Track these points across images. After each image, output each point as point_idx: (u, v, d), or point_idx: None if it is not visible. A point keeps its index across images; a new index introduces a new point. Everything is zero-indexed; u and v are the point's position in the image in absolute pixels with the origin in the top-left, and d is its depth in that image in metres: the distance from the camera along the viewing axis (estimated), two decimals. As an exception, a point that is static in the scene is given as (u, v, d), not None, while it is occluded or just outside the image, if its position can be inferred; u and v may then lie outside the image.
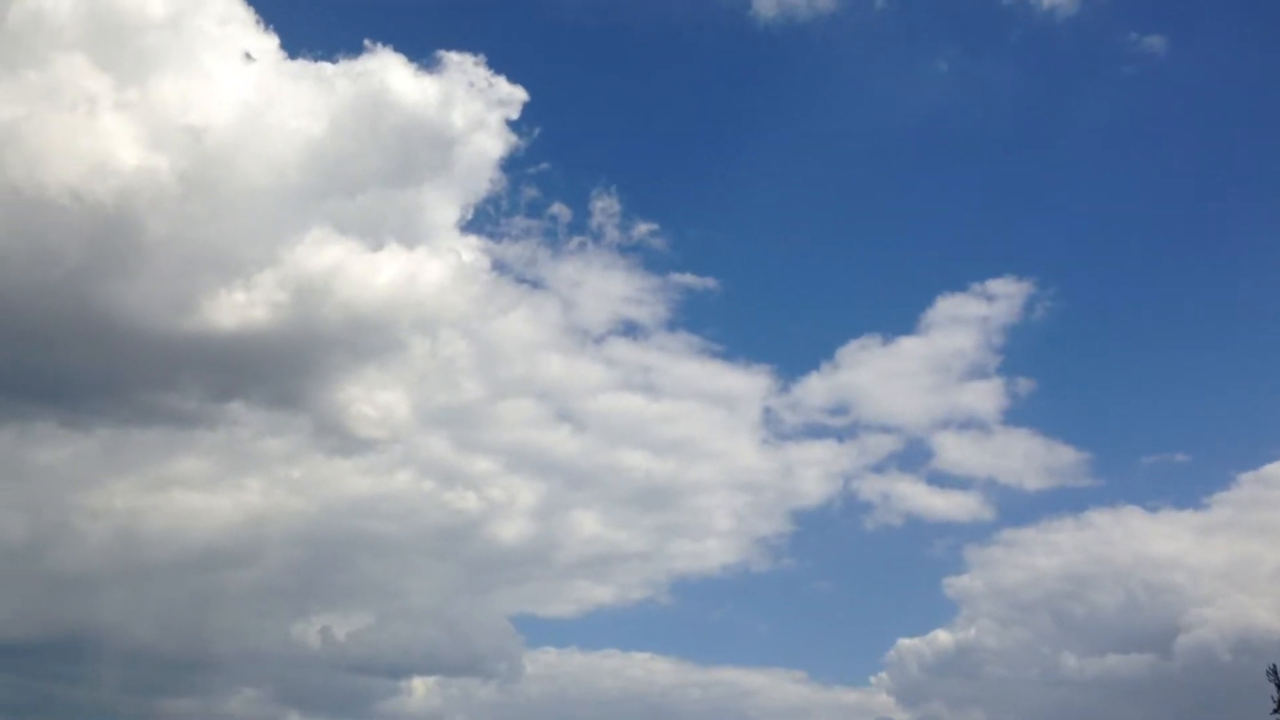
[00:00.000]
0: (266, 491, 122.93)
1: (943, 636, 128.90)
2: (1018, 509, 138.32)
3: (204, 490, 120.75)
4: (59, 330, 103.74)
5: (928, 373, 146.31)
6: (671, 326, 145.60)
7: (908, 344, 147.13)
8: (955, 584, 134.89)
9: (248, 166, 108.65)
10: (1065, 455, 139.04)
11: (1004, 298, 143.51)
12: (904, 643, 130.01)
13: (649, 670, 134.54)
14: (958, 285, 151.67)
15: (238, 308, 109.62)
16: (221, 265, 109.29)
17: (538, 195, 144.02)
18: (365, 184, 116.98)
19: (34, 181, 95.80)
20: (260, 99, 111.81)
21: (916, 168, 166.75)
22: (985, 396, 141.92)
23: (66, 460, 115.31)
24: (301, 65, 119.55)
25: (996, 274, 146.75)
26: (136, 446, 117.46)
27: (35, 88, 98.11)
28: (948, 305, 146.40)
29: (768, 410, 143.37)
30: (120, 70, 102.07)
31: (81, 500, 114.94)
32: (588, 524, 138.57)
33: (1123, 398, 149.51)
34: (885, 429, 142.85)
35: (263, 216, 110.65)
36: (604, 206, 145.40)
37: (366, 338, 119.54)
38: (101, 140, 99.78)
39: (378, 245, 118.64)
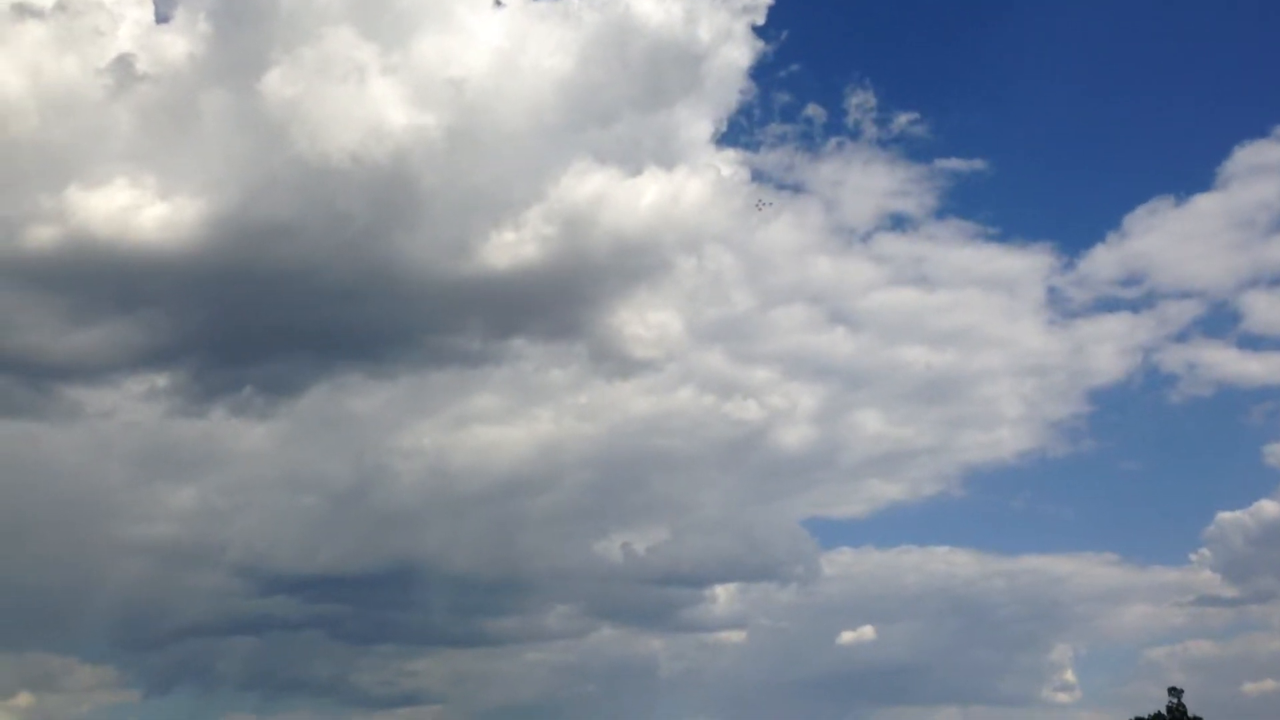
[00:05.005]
0: (556, 419, 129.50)
1: (1268, 507, 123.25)
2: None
3: (500, 424, 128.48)
4: (355, 287, 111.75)
5: (1229, 229, 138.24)
6: (941, 214, 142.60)
7: (1204, 201, 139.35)
8: (1278, 451, 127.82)
9: (507, 110, 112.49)
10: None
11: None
12: (1224, 516, 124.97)
13: (950, 563, 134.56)
14: (1257, 131, 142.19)
15: (509, 246, 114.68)
16: (491, 208, 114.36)
17: (790, 99, 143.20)
18: (619, 111, 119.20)
19: (317, 152, 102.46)
20: (512, 43, 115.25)
21: (1197, 9, 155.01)
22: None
23: (377, 407, 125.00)
24: (547, 4, 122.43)
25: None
26: (435, 389, 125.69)
27: (310, 64, 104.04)
28: (1246, 154, 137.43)
29: (1052, 289, 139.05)
30: (384, 36, 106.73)
31: (394, 443, 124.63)
32: (871, 423, 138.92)
33: None
34: (1185, 294, 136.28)
35: (525, 156, 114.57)
36: (859, 102, 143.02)
37: (634, 261, 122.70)
38: (373, 105, 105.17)
39: (637, 170, 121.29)
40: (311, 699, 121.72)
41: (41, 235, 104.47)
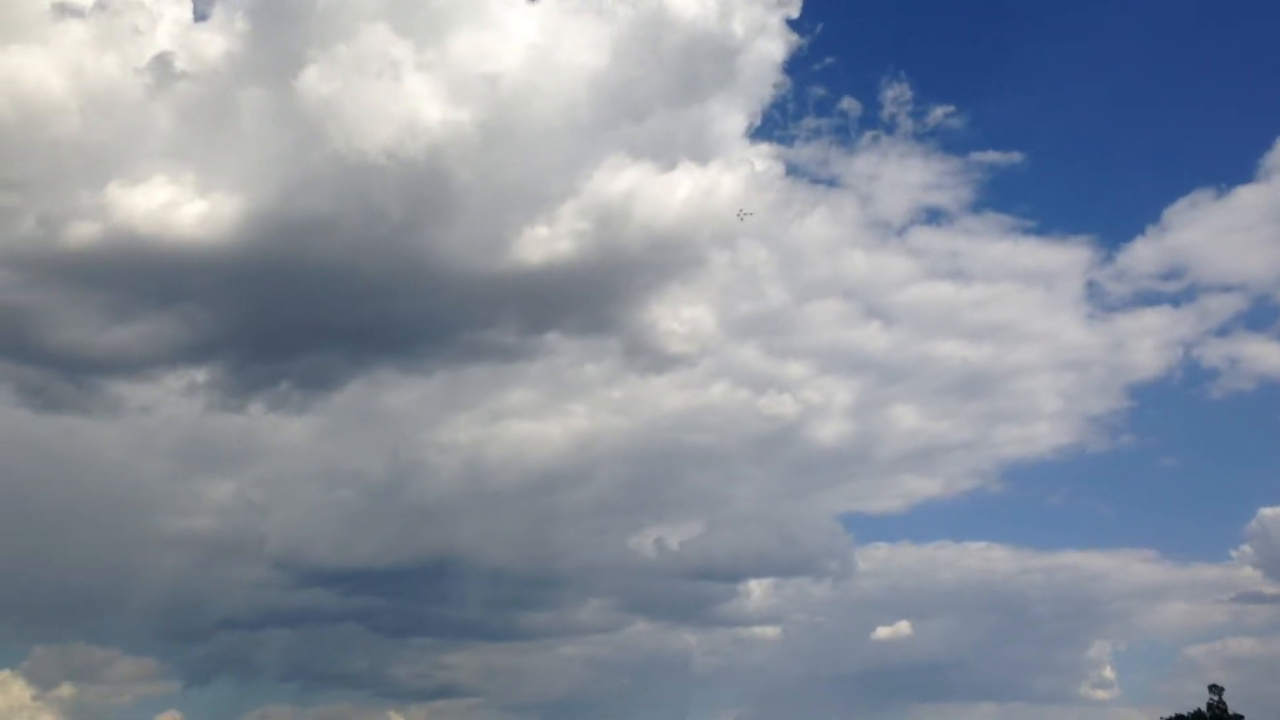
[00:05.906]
0: (591, 414, 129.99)
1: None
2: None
3: (534, 418, 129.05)
4: (391, 283, 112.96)
5: (1272, 222, 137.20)
6: (977, 208, 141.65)
7: (1246, 193, 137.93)
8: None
9: (541, 106, 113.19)
10: None
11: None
12: (1267, 512, 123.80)
13: (986, 559, 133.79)
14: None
15: (543, 242, 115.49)
16: (525, 203, 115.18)
17: (825, 93, 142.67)
18: (652, 106, 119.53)
19: (354, 149, 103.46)
20: (547, 39, 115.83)
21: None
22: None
23: (412, 402, 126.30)
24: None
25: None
26: (469, 384, 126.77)
27: (346, 61, 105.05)
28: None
29: (1090, 283, 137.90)
30: (419, 33, 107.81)
31: (429, 437, 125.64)
32: (907, 418, 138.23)
33: None
34: (1227, 288, 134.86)
35: (559, 151, 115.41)
36: (895, 95, 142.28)
37: (667, 256, 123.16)
38: (408, 102, 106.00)
39: (670, 165, 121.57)
40: (348, 691, 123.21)
41: (83, 232, 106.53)
